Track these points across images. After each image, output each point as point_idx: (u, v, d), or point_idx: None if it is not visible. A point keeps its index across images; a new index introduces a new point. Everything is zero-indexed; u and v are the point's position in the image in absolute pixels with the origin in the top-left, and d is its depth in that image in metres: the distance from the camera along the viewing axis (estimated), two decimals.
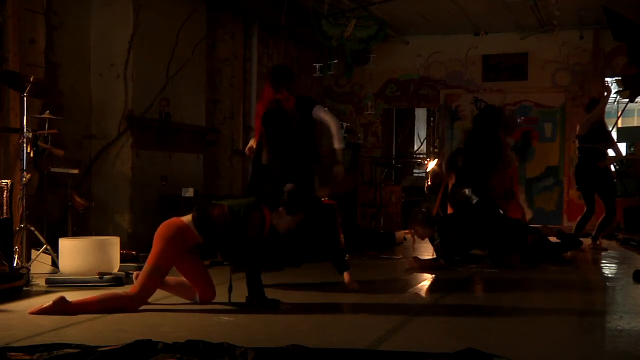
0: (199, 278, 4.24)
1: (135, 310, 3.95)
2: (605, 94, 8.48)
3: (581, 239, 7.79)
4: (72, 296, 4.06)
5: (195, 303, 4.24)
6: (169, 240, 4.03)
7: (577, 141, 8.21)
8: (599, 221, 8.16)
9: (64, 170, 5.86)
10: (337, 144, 5.22)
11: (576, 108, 10.53)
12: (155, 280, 4.03)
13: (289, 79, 5.17)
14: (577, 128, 8.24)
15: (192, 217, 4.11)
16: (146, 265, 4.05)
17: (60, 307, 3.84)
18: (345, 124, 9.86)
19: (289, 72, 5.27)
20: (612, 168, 10.07)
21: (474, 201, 6.96)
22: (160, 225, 4.15)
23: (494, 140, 7.06)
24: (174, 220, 4.16)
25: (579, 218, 8.23)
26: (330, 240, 4.99)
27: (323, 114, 5.13)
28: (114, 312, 3.88)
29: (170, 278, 4.22)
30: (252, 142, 5.38)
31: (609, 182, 8.09)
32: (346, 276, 4.89)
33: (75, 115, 6.53)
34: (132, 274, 4.50)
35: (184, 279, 4.29)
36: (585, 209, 8.14)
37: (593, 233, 8.18)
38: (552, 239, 7.69)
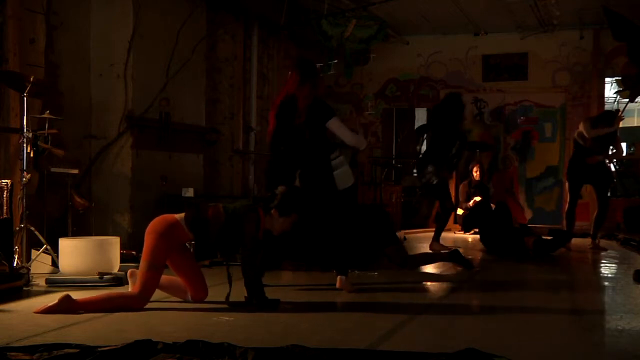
0: (191, 277, 4.26)
1: (140, 309, 3.97)
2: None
3: (580, 238, 7.80)
4: (73, 296, 4.05)
5: (187, 302, 4.25)
6: (159, 236, 4.04)
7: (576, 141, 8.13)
8: (593, 218, 8.15)
9: (64, 170, 5.86)
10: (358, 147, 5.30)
11: (576, 108, 10.55)
12: (153, 276, 4.04)
13: (316, 74, 5.05)
14: (579, 133, 8.06)
15: (185, 215, 4.15)
16: (142, 263, 4.06)
17: (65, 306, 3.86)
18: None
19: (315, 67, 5.17)
20: (612, 167, 10.07)
21: (434, 181, 7.54)
22: (151, 221, 4.17)
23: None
24: (164, 216, 4.20)
25: (565, 210, 8.20)
26: (339, 237, 4.89)
27: (336, 129, 4.95)
28: (119, 311, 3.90)
29: (162, 277, 4.21)
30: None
31: (605, 176, 8.04)
32: (339, 280, 4.83)
33: (75, 115, 6.53)
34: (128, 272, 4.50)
35: (176, 277, 4.30)
36: (568, 201, 8.12)
37: (591, 232, 8.17)
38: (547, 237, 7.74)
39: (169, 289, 4.33)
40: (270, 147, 5.12)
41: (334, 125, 4.91)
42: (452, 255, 6.31)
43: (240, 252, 4.18)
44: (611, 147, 8.09)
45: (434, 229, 8.07)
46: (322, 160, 4.92)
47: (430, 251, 7.62)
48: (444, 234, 8.03)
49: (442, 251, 7.62)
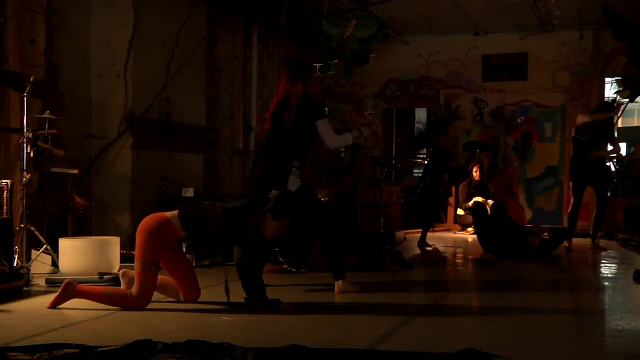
0: (183, 277, 4.25)
1: (141, 309, 3.98)
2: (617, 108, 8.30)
3: (580, 238, 7.81)
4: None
5: (183, 302, 4.25)
6: (149, 235, 4.05)
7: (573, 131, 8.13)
8: (592, 218, 8.15)
9: (64, 170, 5.86)
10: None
11: (576, 108, 10.54)
12: (150, 275, 4.04)
13: (305, 71, 5.09)
14: (579, 128, 8.05)
15: (178, 213, 4.14)
16: (136, 264, 4.06)
17: (68, 293, 3.98)
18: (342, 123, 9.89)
19: (304, 65, 5.20)
20: (612, 167, 10.06)
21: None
22: (142, 220, 4.17)
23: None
24: (155, 214, 4.20)
25: (568, 211, 8.19)
26: (328, 242, 4.88)
27: (322, 131, 4.98)
28: (120, 311, 3.93)
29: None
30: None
31: (605, 177, 8.05)
32: (338, 285, 4.81)
33: (75, 115, 6.53)
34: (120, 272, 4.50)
35: (168, 278, 4.30)
36: (572, 201, 8.10)
37: (590, 232, 8.17)
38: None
39: (161, 288, 4.31)
40: (263, 146, 5.15)
41: (321, 126, 4.96)
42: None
43: (237, 254, 4.16)
44: (609, 145, 8.09)
45: (435, 229, 8.13)
46: (285, 157, 4.94)
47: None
48: (444, 234, 8.06)
49: (426, 248, 7.78)
